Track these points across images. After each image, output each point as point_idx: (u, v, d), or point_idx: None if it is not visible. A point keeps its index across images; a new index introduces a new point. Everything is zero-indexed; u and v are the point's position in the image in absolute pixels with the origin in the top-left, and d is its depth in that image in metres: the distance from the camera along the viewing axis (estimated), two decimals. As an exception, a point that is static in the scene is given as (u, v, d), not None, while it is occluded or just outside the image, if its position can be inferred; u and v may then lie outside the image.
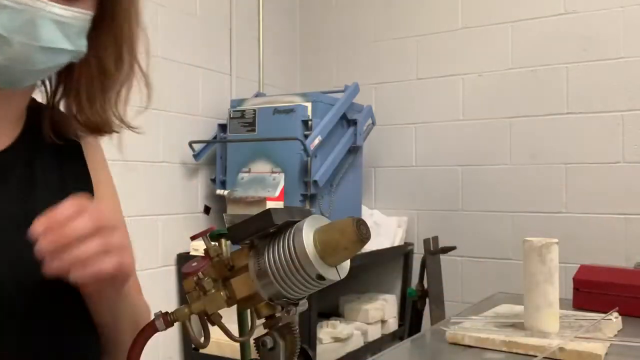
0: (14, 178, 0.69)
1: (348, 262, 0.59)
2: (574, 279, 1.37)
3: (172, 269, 2.21)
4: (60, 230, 0.54)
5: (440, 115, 2.58)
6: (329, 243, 0.55)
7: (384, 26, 2.73)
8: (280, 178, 2.16)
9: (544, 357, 0.99)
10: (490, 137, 2.46)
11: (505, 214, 2.43)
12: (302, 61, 2.97)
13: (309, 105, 2.18)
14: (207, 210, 2.36)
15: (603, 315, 1.18)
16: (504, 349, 1.05)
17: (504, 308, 1.34)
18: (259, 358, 0.61)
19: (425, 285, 2.10)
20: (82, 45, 0.68)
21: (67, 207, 0.55)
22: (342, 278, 0.58)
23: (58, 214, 0.55)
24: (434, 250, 2.13)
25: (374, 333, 2.43)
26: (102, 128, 0.78)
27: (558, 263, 1.12)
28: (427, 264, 2.10)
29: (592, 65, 2.27)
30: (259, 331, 0.62)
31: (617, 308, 1.20)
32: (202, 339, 0.63)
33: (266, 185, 2.17)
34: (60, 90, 0.77)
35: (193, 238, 0.67)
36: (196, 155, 2.29)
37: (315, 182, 2.11)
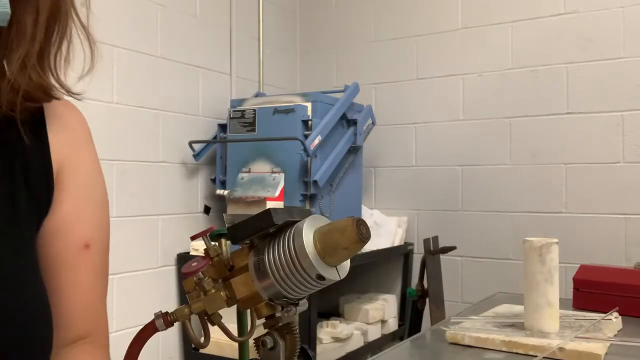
0: None
1: (348, 262, 0.58)
2: (574, 279, 1.37)
3: (172, 269, 2.21)
4: None
5: (440, 115, 2.58)
6: (329, 243, 0.55)
7: (384, 26, 2.73)
8: (280, 178, 2.16)
9: (544, 357, 0.99)
10: (490, 137, 2.46)
11: (505, 214, 2.43)
12: (302, 61, 2.97)
13: (309, 105, 2.18)
14: (207, 210, 2.36)
15: (603, 315, 1.18)
16: (504, 349, 1.05)
17: (504, 308, 1.34)
18: (259, 358, 0.61)
19: (425, 285, 2.11)
20: (4, 4, 0.60)
21: None
22: (342, 278, 0.58)
23: None
24: (434, 250, 2.13)
25: (374, 333, 2.43)
26: (37, 95, 0.67)
27: (558, 263, 1.12)
28: (427, 264, 2.10)
29: (592, 65, 2.27)
30: (259, 331, 0.62)
31: (617, 308, 1.20)
32: (202, 339, 0.62)
33: (266, 185, 2.17)
34: None
35: (193, 238, 0.66)
36: (196, 155, 2.29)
37: (315, 182, 2.11)
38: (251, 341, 0.65)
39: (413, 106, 2.64)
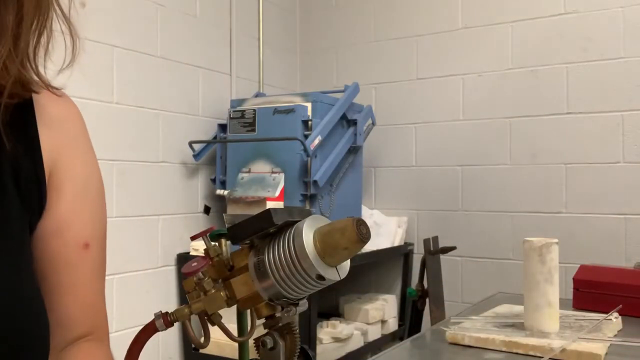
0: None
1: (348, 262, 0.58)
2: (574, 279, 1.37)
3: (172, 269, 2.21)
4: None
5: (440, 115, 2.58)
6: (329, 243, 0.55)
7: (384, 26, 2.73)
8: (280, 178, 2.16)
9: (544, 357, 0.99)
10: (490, 137, 2.46)
11: (505, 214, 2.43)
12: (302, 61, 2.97)
13: (309, 105, 2.18)
14: (207, 210, 2.36)
15: (603, 315, 1.18)
16: (504, 349, 1.05)
17: (504, 308, 1.34)
18: (259, 358, 0.61)
19: (425, 285, 2.11)
20: None
21: None
22: (342, 278, 0.58)
23: None
24: (434, 250, 2.13)
25: (374, 333, 2.43)
26: (15, 89, 0.63)
27: (558, 263, 1.12)
28: (427, 264, 2.10)
29: (592, 65, 2.27)
30: (259, 331, 0.62)
31: (617, 308, 1.20)
32: (202, 339, 0.63)
33: (266, 185, 2.17)
34: None
35: (193, 238, 0.67)
36: (196, 155, 2.29)
37: (315, 182, 2.11)
38: (251, 341, 0.65)
39: (413, 106, 2.64)
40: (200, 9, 2.37)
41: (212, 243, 0.62)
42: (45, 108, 0.68)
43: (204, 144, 2.32)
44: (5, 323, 0.57)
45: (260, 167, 2.21)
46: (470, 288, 2.48)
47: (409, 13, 2.67)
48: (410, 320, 2.24)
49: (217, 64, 2.46)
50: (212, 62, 2.43)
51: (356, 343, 2.30)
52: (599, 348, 0.99)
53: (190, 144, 2.26)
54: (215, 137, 2.36)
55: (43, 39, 0.64)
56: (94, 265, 0.71)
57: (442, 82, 2.58)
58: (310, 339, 2.00)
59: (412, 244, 2.61)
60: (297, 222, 0.57)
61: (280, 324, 0.60)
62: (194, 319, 0.62)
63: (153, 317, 0.62)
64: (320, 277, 0.55)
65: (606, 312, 1.19)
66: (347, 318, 2.45)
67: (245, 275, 0.59)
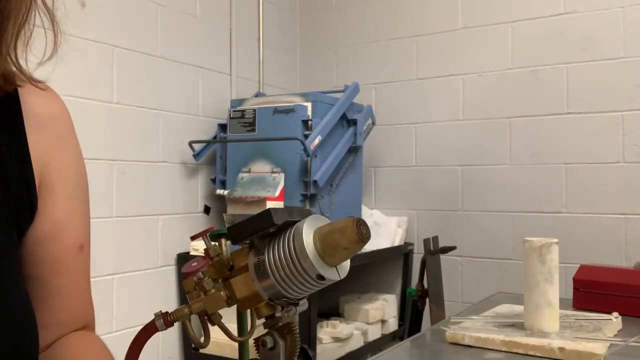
0: None
1: (348, 262, 0.58)
2: (574, 279, 1.37)
3: (172, 269, 2.21)
4: None
5: (440, 115, 2.58)
6: (329, 243, 0.55)
7: (384, 26, 2.73)
8: (280, 178, 2.16)
9: (544, 357, 0.99)
10: (490, 137, 2.46)
11: (505, 213, 2.43)
12: (302, 61, 2.97)
13: (309, 105, 2.18)
14: (207, 210, 2.36)
15: (603, 315, 1.18)
16: (504, 349, 1.05)
17: (504, 308, 1.34)
18: (259, 358, 0.61)
19: (425, 285, 2.11)
20: None
21: None
22: (342, 278, 0.58)
23: None
24: (434, 250, 2.13)
25: (374, 333, 2.43)
26: None
27: (558, 263, 1.12)
28: (427, 264, 2.10)
29: (592, 65, 2.27)
30: (259, 331, 0.62)
31: (617, 308, 1.20)
32: (202, 339, 0.62)
33: (266, 185, 2.17)
34: None
35: (193, 238, 0.66)
36: (196, 155, 2.29)
37: (315, 182, 2.11)
38: (251, 341, 0.65)
39: (413, 106, 2.64)
40: (200, 9, 2.37)
41: (212, 243, 0.62)
42: (32, 106, 0.66)
43: (204, 144, 2.32)
44: None
45: (260, 167, 2.21)
46: (470, 288, 2.48)
47: (409, 13, 2.67)
48: (410, 320, 2.24)
49: (217, 64, 2.46)
50: (212, 62, 2.43)
51: (356, 343, 2.30)
52: (599, 348, 0.99)
53: (190, 143, 2.27)
54: (215, 137, 2.36)
55: (24, 32, 0.62)
56: (87, 264, 0.73)
57: (442, 82, 2.58)
58: (310, 339, 2.00)
59: (412, 244, 2.61)
60: (297, 222, 0.57)
61: (280, 324, 0.60)
62: (194, 318, 0.62)
63: (153, 317, 0.62)
64: (320, 277, 0.55)
65: (606, 312, 1.19)
66: (347, 318, 2.45)
67: (245, 275, 0.59)
